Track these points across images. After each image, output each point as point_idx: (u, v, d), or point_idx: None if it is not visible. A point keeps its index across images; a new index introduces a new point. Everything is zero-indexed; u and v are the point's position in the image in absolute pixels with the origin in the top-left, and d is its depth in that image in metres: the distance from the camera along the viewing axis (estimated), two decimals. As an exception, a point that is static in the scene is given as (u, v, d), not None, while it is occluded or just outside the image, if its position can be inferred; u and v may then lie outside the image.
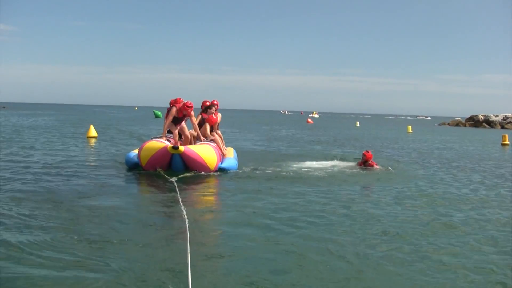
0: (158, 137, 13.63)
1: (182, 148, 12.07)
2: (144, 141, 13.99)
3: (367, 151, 15.15)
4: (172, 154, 12.24)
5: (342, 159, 17.21)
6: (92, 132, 25.81)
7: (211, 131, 14.59)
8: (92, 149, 19.66)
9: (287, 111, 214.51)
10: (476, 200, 10.40)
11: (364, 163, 14.82)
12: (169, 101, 14.29)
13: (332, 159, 17.26)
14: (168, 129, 13.83)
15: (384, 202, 9.78)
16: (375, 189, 11.50)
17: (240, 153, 16.57)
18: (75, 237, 6.58)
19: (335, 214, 8.62)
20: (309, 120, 78.08)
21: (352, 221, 8.12)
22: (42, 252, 5.94)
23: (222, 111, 15.79)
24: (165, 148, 12.23)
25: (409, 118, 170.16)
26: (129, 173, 12.74)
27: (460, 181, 13.12)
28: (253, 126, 50.20)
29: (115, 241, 6.49)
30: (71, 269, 5.41)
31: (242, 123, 57.20)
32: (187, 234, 6.60)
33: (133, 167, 13.14)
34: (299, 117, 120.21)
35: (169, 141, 13.34)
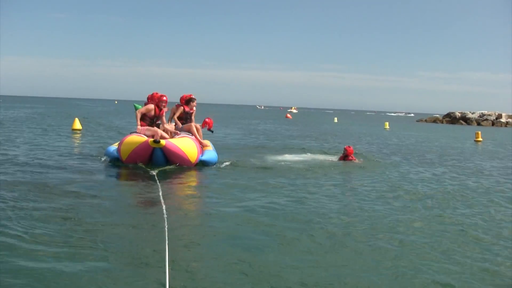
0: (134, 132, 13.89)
1: (163, 142, 12.08)
2: (124, 135, 13.90)
3: (349, 146, 15.71)
4: (153, 148, 12.26)
5: (322, 153, 17.93)
6: (77, 125, 26.32)
7: (188, 123, 14.69)
8: (77, 142, 20.18)
9: (264, 106, 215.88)
10: (440, 189, 11.19)
11: (345, 157, 15.30)
12: (147, 96, 14.50)
13: (311, 153, 17.87)
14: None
15: (364, 194, 10.28)
16: (355, 182, 11.96)
17: (219, 146, 16.89)
18: (55, 227, 6.73)
19: (314, 201, 9.18)
20: (288, 115, 78.83)
21: (332, 208, 8.68)
22: (23, 240, 6.12)
23: (202, 105, 16.38)
24: (146, 142, 12.23)
25: (392, 114, 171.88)
26: (111, 166, 12.89)
27: (426, 173, 13.92)
28: (233, 121, 50.73)
29: (95, 229, 6.70)
30: (51, 257, 5.59)
31: (222, 118, 57.81)
32: (165, 224, 6.78)
33: (112, 161, 13.21)
34: (278, 112, 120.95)
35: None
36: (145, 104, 14.15)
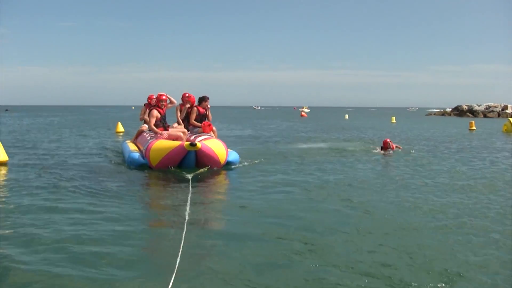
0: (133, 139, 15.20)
1: (199, 145, 11.94)
2: (148, 141, 13.33)
3: (386, 139, 18.04)
4: (187, 151, 12.17)
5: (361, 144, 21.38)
6: (120, 127, 29.94)
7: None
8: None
9: (260, 106, 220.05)
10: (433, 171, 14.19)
11: (385, 148, 17.46)
12: (147, 97, 15.85)
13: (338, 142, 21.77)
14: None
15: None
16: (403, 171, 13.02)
17: (242, 146, 19.02)
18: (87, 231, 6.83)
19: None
20: (303, 113, 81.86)
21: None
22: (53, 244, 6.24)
23: (215, 108, 16.50)
24: (181, 146, 12.07)
25: (410, 109, 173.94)
26: (149, 170, 12.62)
27: (420, 159, 17.19)
28: (250, 121, 53.28)
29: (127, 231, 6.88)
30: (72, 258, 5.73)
31: (238, 119, 60.65)
32: (183, 232, 6.60)
33: (138, 167, 12.86)
34: (293, 111, 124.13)
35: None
36: (147, 107, 15.40)
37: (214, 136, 13.88)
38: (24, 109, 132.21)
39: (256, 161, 14.37)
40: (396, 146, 17.99)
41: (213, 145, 12.63)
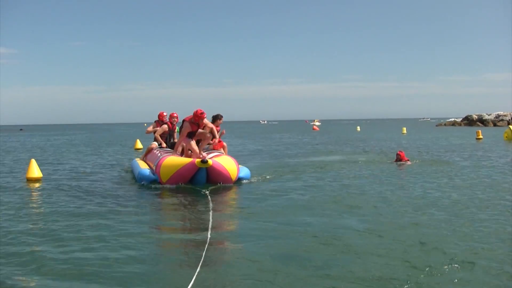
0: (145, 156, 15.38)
1: (210, 161, 12.10)
2: (159, 158, 13.44)
3: (401, 151, 18.97)
4: (198, 168, 12.36)
5: (376, 155, 21.98)
6: (139, 144, 31.12)
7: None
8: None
9: (266, 121, 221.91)
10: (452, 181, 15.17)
11: (399, 160, 18.26)
12: (158, 114, 16.16)
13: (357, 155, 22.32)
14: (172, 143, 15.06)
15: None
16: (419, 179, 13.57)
17: (256, 161, 19.91)
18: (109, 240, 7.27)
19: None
20: (315, 127, 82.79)
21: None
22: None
23: (227, 123, 15.78)
24: (192, 162, 12.20)
25: (421, 120, 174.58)
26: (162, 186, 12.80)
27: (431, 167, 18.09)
28: (263, 136, 54.45)
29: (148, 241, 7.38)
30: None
31: (250, 134, 61.62)
32: (205, 245, 6.77)
33: (147, 184, 13.05)
34: (304, 125, 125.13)
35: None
36: (158, 124, 15.95)
37: (224, 153, 14.11)
38: (38, 128, 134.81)
39: (269, 176, 14.52)
40: (407, 159, 18.56)
41: (224, 161, 12.76)
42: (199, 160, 12.13)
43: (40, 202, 10.91)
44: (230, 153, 14.89)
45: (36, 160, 15.37)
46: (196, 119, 12.94)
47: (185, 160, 12.54)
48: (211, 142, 13.86)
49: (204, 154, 13.17)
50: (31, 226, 8.40)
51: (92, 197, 11.31)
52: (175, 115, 15.50)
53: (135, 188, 12.87)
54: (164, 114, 16.24)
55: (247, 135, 54.45)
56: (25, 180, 14.40)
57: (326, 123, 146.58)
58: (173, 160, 12.65)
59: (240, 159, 15.43)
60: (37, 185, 13.63)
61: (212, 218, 8.48)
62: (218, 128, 14.48)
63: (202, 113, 12.87)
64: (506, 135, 34.44)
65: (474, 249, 6.57)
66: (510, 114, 76.54)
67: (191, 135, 13.10)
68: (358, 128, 74.72)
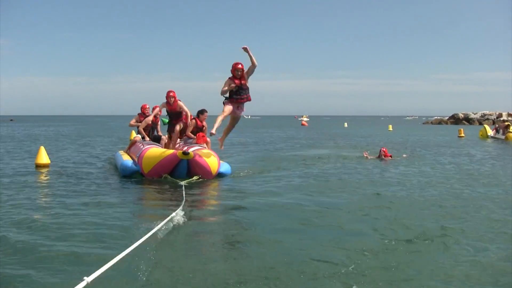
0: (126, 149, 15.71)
1: (192, 154, 12.23)
2: (141, 150, 13.61)
3: (384, 148, 19.73)
4: (179, 160, 12.42)
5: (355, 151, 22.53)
6: (134, 135, 31.78)
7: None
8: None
9: (250, 116, 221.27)
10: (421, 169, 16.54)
11: (381, 156, 19.03)
12: (140, 107, 16.55)
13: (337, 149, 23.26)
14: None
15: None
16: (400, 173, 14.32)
17: (245, 155, 20.38)
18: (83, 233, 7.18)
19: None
20: (304, 122, 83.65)
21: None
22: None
23: (214, 117, 14.20)
24: (174, 154, 12.38)
25: (408, 118, 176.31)
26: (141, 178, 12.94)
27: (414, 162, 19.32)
28: (253, 130, 55.23)
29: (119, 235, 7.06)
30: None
31: (239, 128, 62.84)
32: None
33: (129, 175, 13.14)
34: (293, 120, 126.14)
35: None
36: (141, 117, 16.22)
37: (207, 147, 14.05)
38: (29, 119, 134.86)
39: (251, 171, 14.48)
40: (390, 155, 19.40)
41: (206, 155, 12.86)
42: (181, 151, 12.28)
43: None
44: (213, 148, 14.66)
45: (31, 150, 16.18)
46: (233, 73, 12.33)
47: (167, 151, 12.82)
48: (193, 136, 14.32)
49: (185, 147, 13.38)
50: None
51: (69, 187, 11.60)
52: (171, 94, 14.72)
53: (115, 179, 13.04)
54: (147, 106, 16.50)
55: (235, 129, 55.00)
56: (34, 166, 15.43)
57: (315, 119, 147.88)
58: (155, 151, 12.91)
59: (225, 153, 15.93)
60: (43, 170, 14.72)
61: (176, 209, 8.29)
62: (202, 124, 14.66)
63: (237, 64, 12.25)
64: (481, 133, 36.78)
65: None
66: (495, 113, 77.98)
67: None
68: (346, 124, 75.99)
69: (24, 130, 50.59)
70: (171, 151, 12.63)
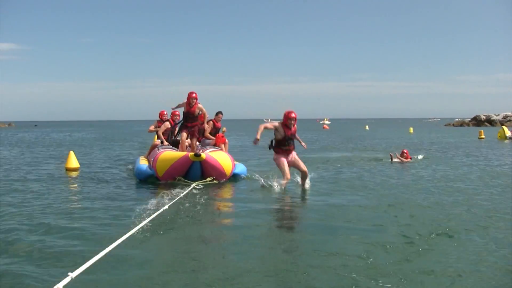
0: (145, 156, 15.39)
1: (203, 155, 12.14)
2: (156, 153, 13.58)
3: (405, 150, 19.87)
4: (192, 162, 12.36)
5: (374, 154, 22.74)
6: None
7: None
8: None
9: (270, 119, 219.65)
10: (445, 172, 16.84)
11: (403, 157, 19.26)
12: (159, 113, 17.04)
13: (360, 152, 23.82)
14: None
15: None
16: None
17: (264, 158, 19.04)
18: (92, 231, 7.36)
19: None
20: (325, 126, 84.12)
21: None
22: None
23: (235, 121, 14.83)
24: (186, 156, 12.25)
25: (430, 120, 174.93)
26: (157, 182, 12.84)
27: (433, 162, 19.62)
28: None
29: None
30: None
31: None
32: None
33: (144, 179, 13.17)
34: (315, 123, 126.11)
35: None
36: (159, 123, 16.54)
37: (223, 149, 14.10)
38: (51, 125, 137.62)
39: (269, 173, 13.32)
40: (410, 158, 19.53)
41: (219, 156, 12.79)
42: (192, 153, 12.22)
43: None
44: (232, 150, 14.72)
45: (60, 156, 16.85)
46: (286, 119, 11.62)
47: (179, 154, 12.67)
48: (212, 137, 14.66)
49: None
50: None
51: (87, 189, 12.00)
52: (176, 113, 15.57)
53: (130, 183, 13.21)
54: (165, 113, 17.00)
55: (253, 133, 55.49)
56: (64, 170, 16.09)
57: (336, 122, 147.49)
58: (168, 155, 12.77)
59: (243, 156, 16.32)
60: (74, 174, 15.31)
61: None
62: (219, 124, 15.16)
63: (290, 112, 11.63)
64: (499, 134, 37.27)
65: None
66: (517, 114, 77.55)
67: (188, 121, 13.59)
68: (367, 127, 76.07)
69: (47, 135, 52.04)
70: (183, 154, 12.52)
